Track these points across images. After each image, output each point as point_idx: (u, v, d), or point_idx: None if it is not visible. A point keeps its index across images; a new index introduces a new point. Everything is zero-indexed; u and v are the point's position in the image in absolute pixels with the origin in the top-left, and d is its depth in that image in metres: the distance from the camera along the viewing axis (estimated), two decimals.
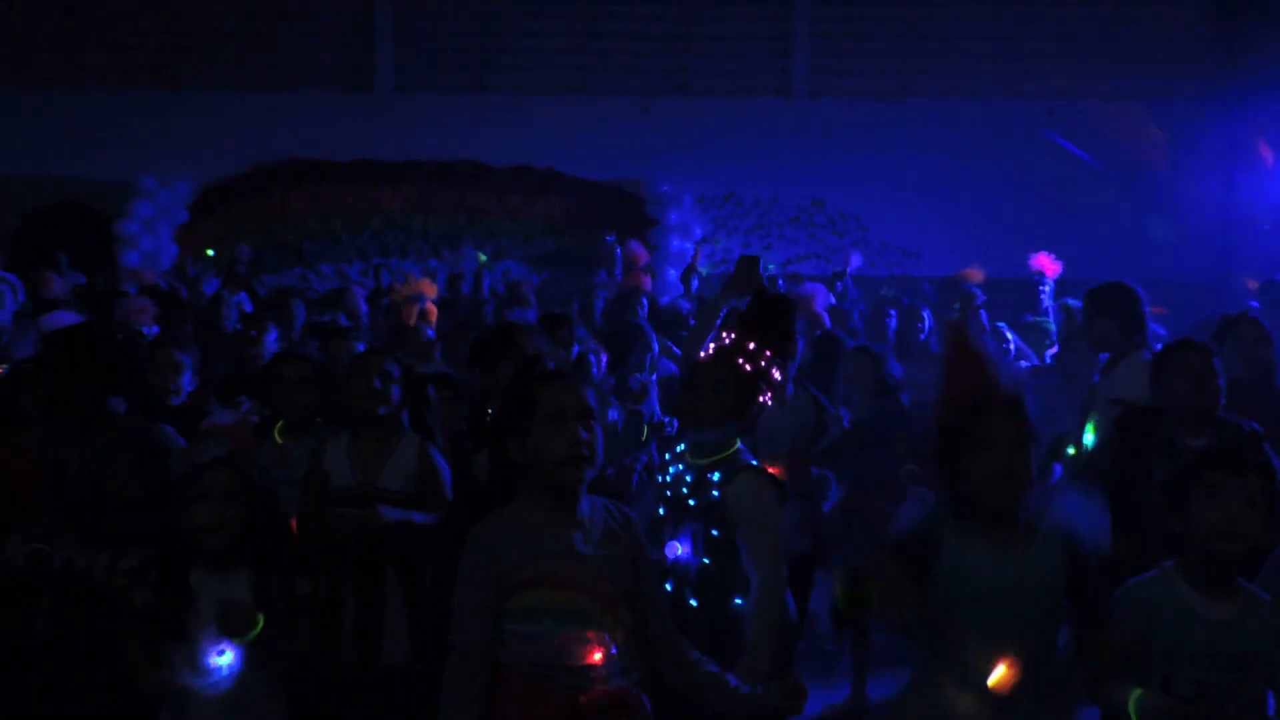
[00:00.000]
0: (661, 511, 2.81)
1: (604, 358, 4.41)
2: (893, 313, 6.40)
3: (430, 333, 5.60)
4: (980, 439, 2.18)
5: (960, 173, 10.45)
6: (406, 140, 10.50)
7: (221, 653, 2.48)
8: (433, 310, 6.59)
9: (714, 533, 2.67)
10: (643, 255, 8.71)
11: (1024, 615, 2.17)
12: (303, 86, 10.91)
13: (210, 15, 10.97)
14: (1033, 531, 2.22)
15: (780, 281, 7.99)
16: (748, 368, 2.75)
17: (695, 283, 8.65)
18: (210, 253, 7.34)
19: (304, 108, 10.69)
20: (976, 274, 7.86)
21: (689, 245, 10.22)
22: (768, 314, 2.90)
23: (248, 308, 6.57)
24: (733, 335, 2.82)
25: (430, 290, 6.92)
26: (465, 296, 8.06)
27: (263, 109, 10.66)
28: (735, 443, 2.77)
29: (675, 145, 10.67)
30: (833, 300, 6.79)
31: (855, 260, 8.84)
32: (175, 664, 2.48)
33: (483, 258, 8.91)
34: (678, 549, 2.69)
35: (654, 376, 4.89)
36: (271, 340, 4.39)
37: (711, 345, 2.85)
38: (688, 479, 2.74)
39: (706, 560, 2.67)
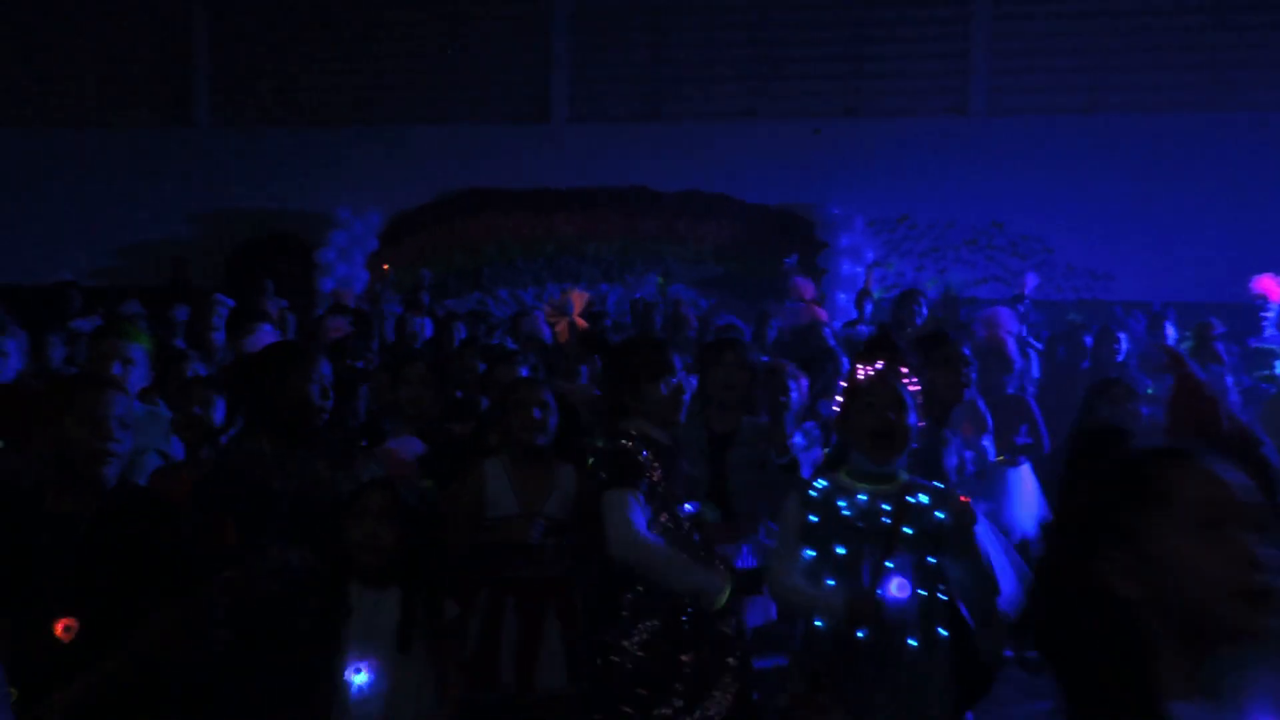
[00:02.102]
0: (842, 549, 2.57)
1: (804, 383, 4.35)
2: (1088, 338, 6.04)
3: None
4: None
5: (1156, 190, 9.79)
6: (580, 168, 10.81)
7: (358, 670, 2.54)
8: (584, 325, 6.62)
9: (930, 561, 2.54)
10: (808, 289, 8.58)
11: None
12: (484, 120, 11.43)
13: (397, 55, 11.66)
14: None
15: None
16: (910, 389, 2.68)
17: (869, 307, 8.44)
18: (385, 267, 7.91)
19: (485, 139, 11.19)
20: None
21: (860, 269, 10.04)
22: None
23: (427, 332, 6.87)
24: (879, 361, 2.74)
25: (579, 303, 6.95)
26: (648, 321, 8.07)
27: (447, 142, 11.24)
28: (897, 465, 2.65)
29: (846, 168, 10.52)
30: (1018, 325, 6.44)
31: (1032, 281, 8.41)
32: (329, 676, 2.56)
33: (661, 279, 9.00)
34: (901, 586, 2.51)
35: None
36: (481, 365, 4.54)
37: (863, 371, 2.76)
38: (884, 506, 2.57)
39: (923, 592, 2.53)
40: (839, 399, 2.77)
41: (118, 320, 6.00)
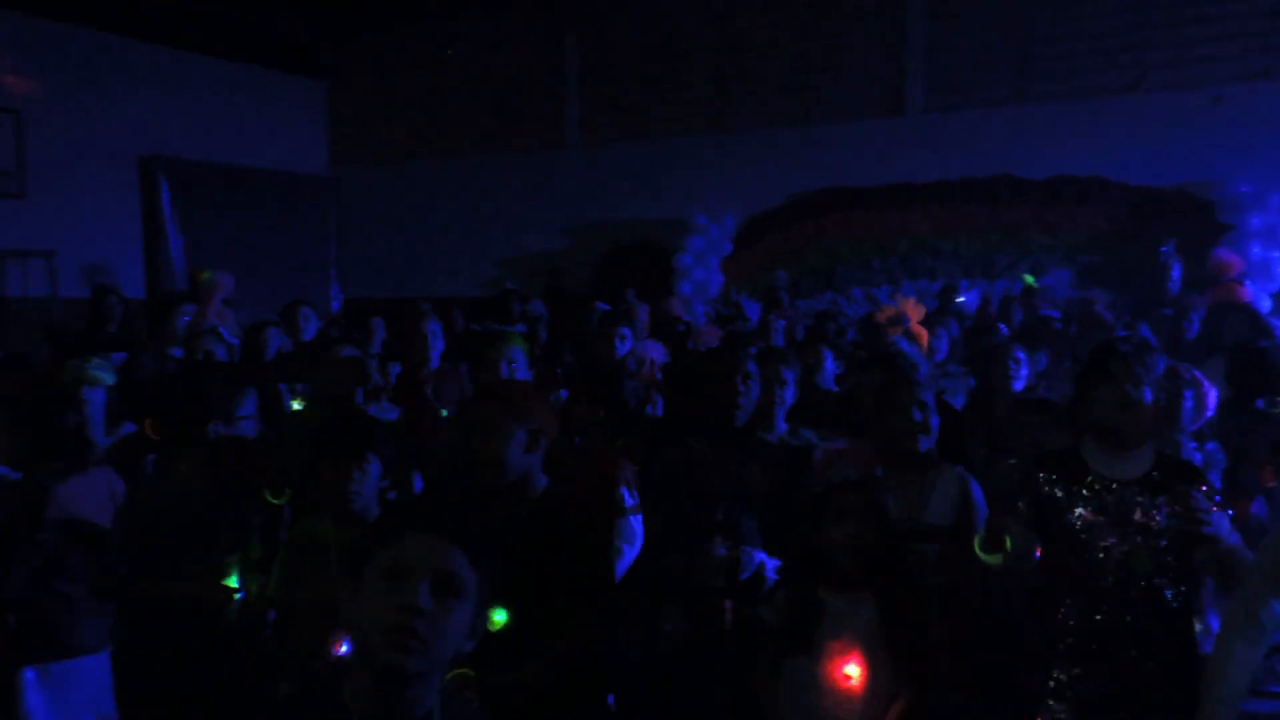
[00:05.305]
0: None
1: (1210, 392, 3.82)
2: None
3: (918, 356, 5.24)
4: None
5: None
6: (938, 160, 10.36)
7: (855, 665, 2.51)
8: (921, 333, 6.26)
9: None
10: (1234, 263, 7.51)
11: None
12: (836, 118, 11.32)
13: (749, 63, 11.86)
14: None
15: None
16: None
17: None
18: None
19: (838, 138, 11.09)
20: None
21: (1277, 254, 8.68)
22: None
23: (779, 338, 6.87)
24: None
25: (915, 312, 6.60)
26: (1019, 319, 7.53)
27: (800, 143, 11.27)
28: None
29: (1256, 138, 9.13)
30: None
31: None
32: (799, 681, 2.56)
33: (1029, 279, 8.37)
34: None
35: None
36: (829, 363, 4.51)
37: None
38: None
39: None
40: None
41: (497, 329, 6.76)
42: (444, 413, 4.35)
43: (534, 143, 13.15)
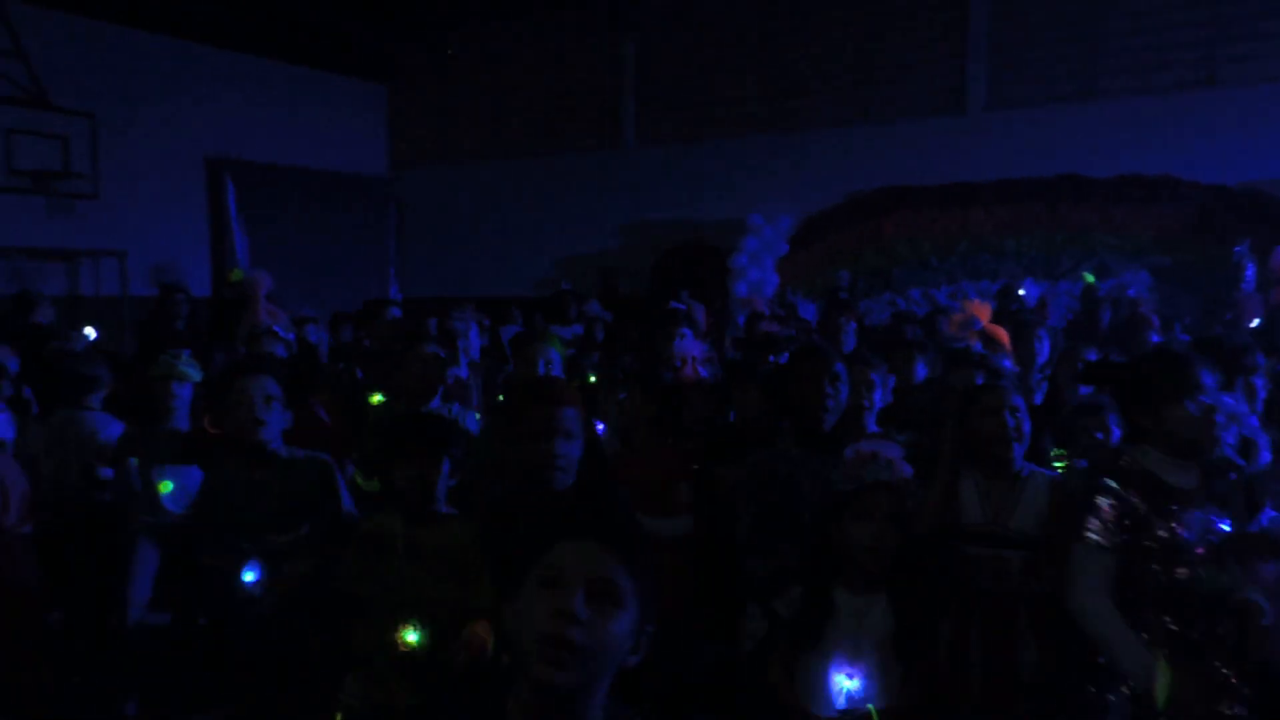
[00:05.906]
0: None
1: None
2: None
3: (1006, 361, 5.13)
4: None
5: None
6: (999, 158, 10.18)
7: (851, 677, 2.44)
8: (999, 333, 6.14)
9: None
10: None
11: None
12: (896, 117, 11.18)
13: (807, 61, 11.77)
14: None
15: None
16: None
17: None
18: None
19: (897, 136, 10.96)
20: None
21: None
22: None
23: (850, 340, 6.79)
24: None
25: (983, 313, 6.49)
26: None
27: (858, 142, 11.16)
28: None
29: None
30: None
31: None
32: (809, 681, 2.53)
33: (1089, 277, 8.20)
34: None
35: None
36: (920, 368, 4.45)
37: None
38: None
39: None
40: None
41: (543, 329, 6.85)
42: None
43: (591, 143, 13.20)
